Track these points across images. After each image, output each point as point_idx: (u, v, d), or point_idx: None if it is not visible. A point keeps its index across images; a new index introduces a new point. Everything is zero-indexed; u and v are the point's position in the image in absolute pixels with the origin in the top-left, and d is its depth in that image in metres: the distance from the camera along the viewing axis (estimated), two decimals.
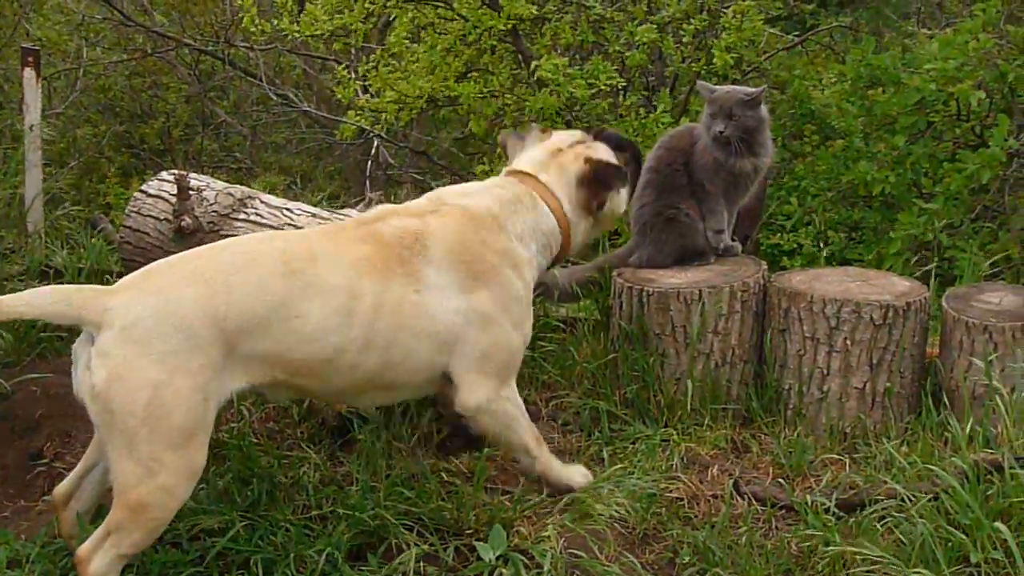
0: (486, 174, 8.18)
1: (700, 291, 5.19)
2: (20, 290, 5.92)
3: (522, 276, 4.53)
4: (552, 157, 4.84)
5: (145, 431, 3.74)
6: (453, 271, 4.32)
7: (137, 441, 3.74)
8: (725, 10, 8.45)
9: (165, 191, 6.09)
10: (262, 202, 6.02)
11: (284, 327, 4.00)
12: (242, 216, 5.92)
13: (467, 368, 4.37)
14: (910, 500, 4.26)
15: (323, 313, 4.05)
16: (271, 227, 5.80)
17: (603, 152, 4.93)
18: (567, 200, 4.76)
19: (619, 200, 4.96)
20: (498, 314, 4.39)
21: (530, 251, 4.61)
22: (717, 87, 5.58)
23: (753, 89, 5.48)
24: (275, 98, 12.33)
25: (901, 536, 4.15)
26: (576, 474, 4.63)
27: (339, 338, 4.08)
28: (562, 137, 4.98)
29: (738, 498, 4.62)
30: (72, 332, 5.03)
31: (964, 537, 4.00)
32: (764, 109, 5.45)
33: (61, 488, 4.19)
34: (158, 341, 3.77)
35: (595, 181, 4.79)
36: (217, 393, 3.91)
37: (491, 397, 4.42)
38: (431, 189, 5.75)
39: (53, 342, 5.82)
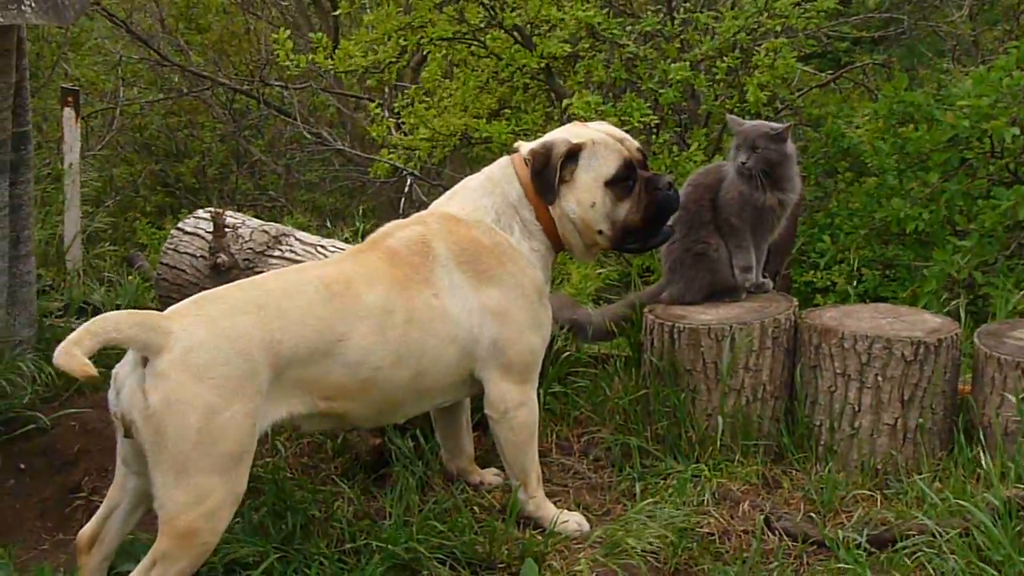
0: None
1: (731, 327, 5.20)
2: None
3: (521, 269, 4.56)
4: (568, 128, 4.82)
5: (197, 455, 3.79)
6: (460, 271, 4.43)
7: (188, 465, 3.78)
8: (758, 48, 8.49)
9: (201, 228, 6.16)
10: (297, 239, 6.07)
11: (330, 350, 4.09)
12: (276, 253, 5.97)
13: (489, 368, 4.49)
14: (942, 536, 4.25)
15: (362, 333, 4.15)
16: None
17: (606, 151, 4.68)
18: None
19: (593, 208, 4.65)
20: (508, 311, 4.48)
21: (514, 235, 4.60)
22: (746, 121, 5.62)
23: (779, 124, 5.51)
24: (309, 136, 12.43)
25: (932, 572, 4.14)
26: (571, 523, 4.65)
27: (377, 357, 4.18)
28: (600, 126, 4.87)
29: (769, 534, 4.61)
30: (109, 366, 5.09)
31: (996, 573, 3.99)
32: (791, 145, 5.46)
33: (86, 531, 4.17)
34: (217, 365, 3.84)
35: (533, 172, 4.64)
36: (262, 420, 3.98)
37: (517, 399, 4.53)
38: None
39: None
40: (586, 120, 6.77)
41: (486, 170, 4.78)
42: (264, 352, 3.94)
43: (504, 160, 4.76)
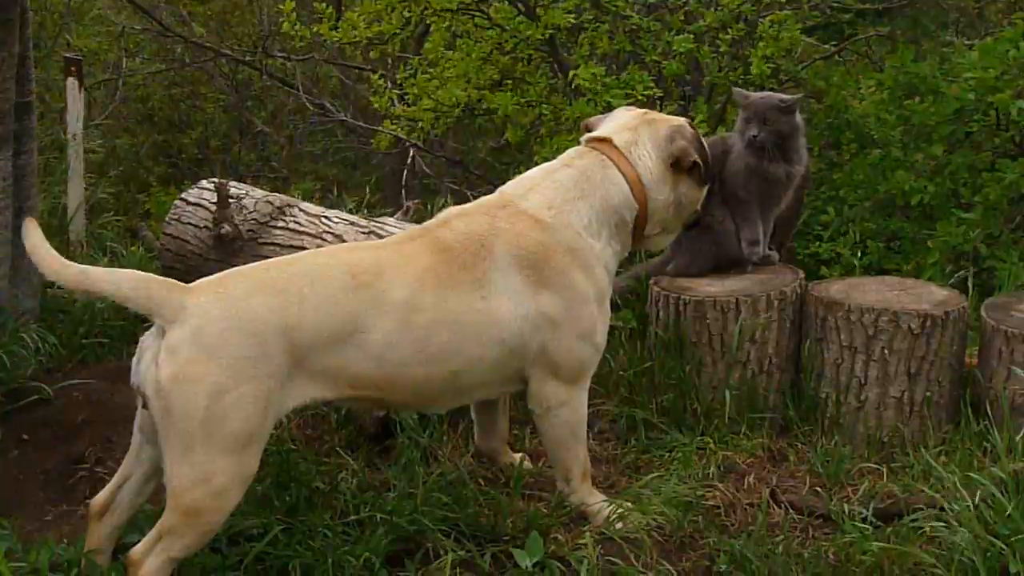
0: None
1: (737, 300, 5.19)
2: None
3: (593, 277, 4.39)
4: (642, 119, 4.67)
5: (203, 434, 3.76)
6: (520, 274, 4.24)
7: (194, 443, 3.76)
8: (762, 19, 8.45)
9: (205, 199, 6.15)
10: (301, 210, 6.06)
11: (350, 341, 3.99)
12: (281, 224, 5.95)
13: (537, 368, 4.35)
14: (949, 509, 4.24)
15: (385, 329, 4.03)
16: (310, 235, 5.83)
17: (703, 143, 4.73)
18: (646, 165, 4.55)
19: (701, 195, 4.79)
20: (564, 321, 4.31)
21: (601, 240, 4.45)
22: (752, 93, 5.59)
23: (788, 96, 5.49)
24: (312, 108, 12.39)
25: (940, 545, 4.13)
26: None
27: (400, 353, 4.06)
28: (658, 113, 4.85)
29: (775, 507, 4.60)
30: (113, 336, 5.07)
31: (1004, 547, 3.97)
32: (799, 117, 5.45)
33: (99, 498, 4.17)
34: (228, 346, 3.79)
35: (692, 171, 4.61)
36: (278, 403, 3.92)
37: (560, 398, 4.41)
38: (467, 198, 5.66)
39: (95, 348, 5.88)
40: (594, 92, 6.76)
41: (578, 164, 4.53)
42: (279, 337, 3.87)
43: (595, 156, 4.55)
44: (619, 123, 4.67)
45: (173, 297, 3.85)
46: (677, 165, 4.58)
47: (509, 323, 4.22)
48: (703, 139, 4.73)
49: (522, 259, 4.26)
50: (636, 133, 4.59)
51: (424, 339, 4.09)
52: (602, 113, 4.95)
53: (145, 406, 3.90)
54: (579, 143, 4.73)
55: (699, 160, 4.59)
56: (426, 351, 4.10)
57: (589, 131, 4.74)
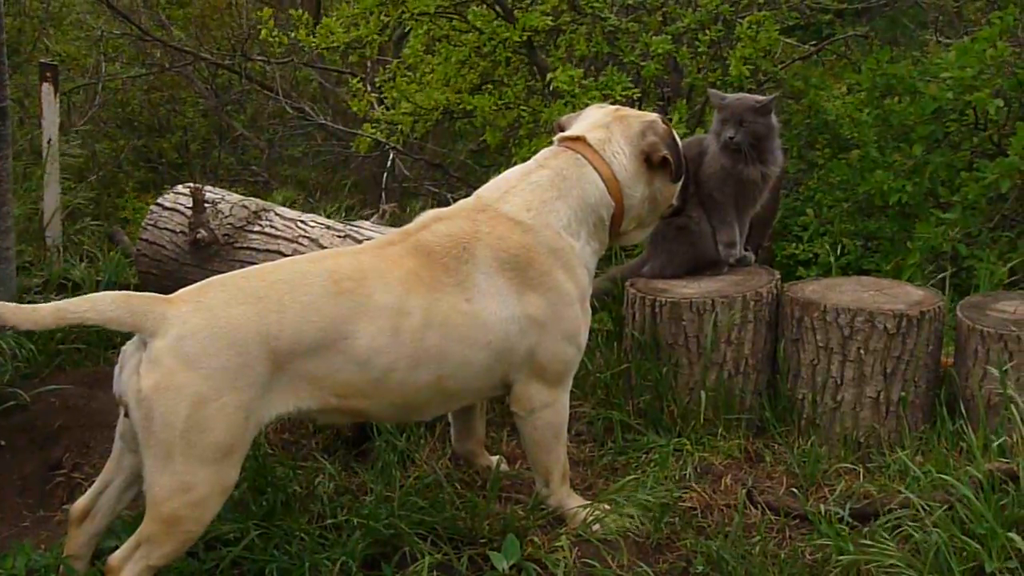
0: None
1: (713, 301, 5.20)
2: (39, 303, 6.07)
3: (574, 277, 4.39)
4: (614, 116, 4.67)
5: (183, 444, 3.74)
6: (503, 277, 4.23)
7: (174, 453, 3.75)
8: (741, 20, 8.45)
9: (181, 204, 6.14)
10: (276, 214, 6.05)
11: (334, 348, 3.97)
12: (257, 228, 5.95)
13: (522, 373, 4.35)
14: (924, 509, 4.25)
15: (371, 334, 4.01)
16: (286, 239, 5.83)
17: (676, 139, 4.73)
18: (620, 162, 4.55)
19: (675, 190, 4.79)
20: (550, 322, 4.31)
21: (580, 239, 4.45)
22: (728, 95, 5.60)
23: (763, 97, 5.50)
24: (291, 111, 12.36)
25: (915, 546, 4.13)
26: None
27: (388, 358, 4.04)
28: (630, 110, 4.87)
29: (751, 507, 4.62)
30: (91, 342, 5.06)
31: (979, 547, 3.98)
32: (774, 118, 5.46)
33: (79, 504, 4.16)
34: (209, 356, 3.77)
35: (664, 166, 4.61)
36: (259, 413, 3.90)
37: (543, 400, 4.41)
38: (447, 201, 5.66)
39: (72, 354, 5.86)
40: (572, 94, 6.77)
41: (553, 164, 4.51)
42: (260, 345, 3.85)
43: (569, 155, 4.54)
44: (591, 121, 4.67)
45: (155, 308, 3.84)
46: (648, 160, 4.59)
47: (495, 326, 4.21)
48: (676, 136, 4.72)
49: (505, 262, 4.26)
50: (609, 131, 4.60)
51: (413, 343, 4.07)
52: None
53: (127, 415, 3.89)
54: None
55: (669, 155, 4.58)
56: (416, 355, 4.08)
57: (562, 130, 4.74)
